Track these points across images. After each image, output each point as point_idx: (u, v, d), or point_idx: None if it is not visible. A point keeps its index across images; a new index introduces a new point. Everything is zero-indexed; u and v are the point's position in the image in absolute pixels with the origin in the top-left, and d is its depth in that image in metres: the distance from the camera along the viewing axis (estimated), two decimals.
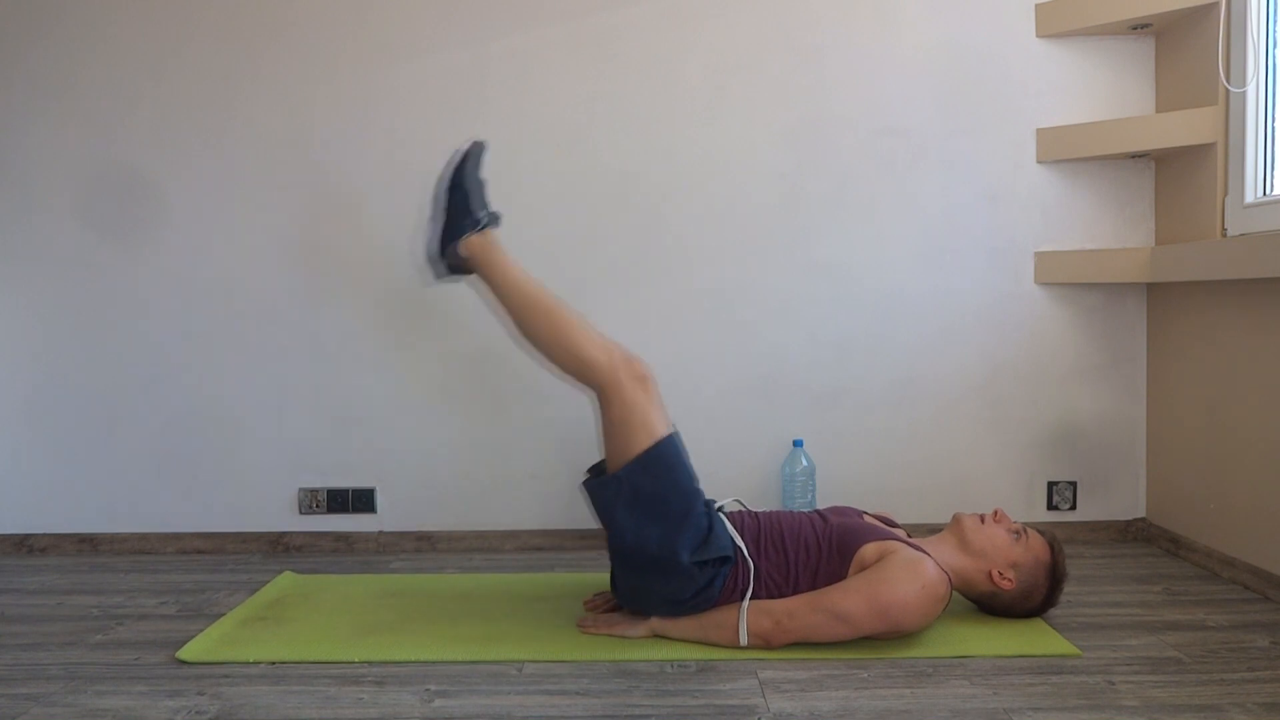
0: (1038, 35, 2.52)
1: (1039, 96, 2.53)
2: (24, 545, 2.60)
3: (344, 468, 2.59)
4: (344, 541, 2.59)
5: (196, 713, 1.58)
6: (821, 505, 2.51)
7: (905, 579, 1.76)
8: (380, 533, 2.60)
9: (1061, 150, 2.50)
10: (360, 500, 2.59)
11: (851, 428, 2.57)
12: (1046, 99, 2.53)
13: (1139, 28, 2.46)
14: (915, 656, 1.77)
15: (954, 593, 1.88)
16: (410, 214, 2.55)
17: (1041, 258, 2.54)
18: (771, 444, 2.57)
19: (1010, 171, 2.54)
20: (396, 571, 2.40)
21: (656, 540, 1.81)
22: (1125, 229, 2.55)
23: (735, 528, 1.90)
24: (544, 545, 2.59)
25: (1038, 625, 1.92)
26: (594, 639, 1.88)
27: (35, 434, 2.59)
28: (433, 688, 1.67)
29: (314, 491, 2.59)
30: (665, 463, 1.86)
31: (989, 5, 2.52)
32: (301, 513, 2.59)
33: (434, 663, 1.78)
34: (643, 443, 1.85)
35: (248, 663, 1.78)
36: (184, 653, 1.82)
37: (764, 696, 1.62)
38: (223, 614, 2.06)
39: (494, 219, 2.04)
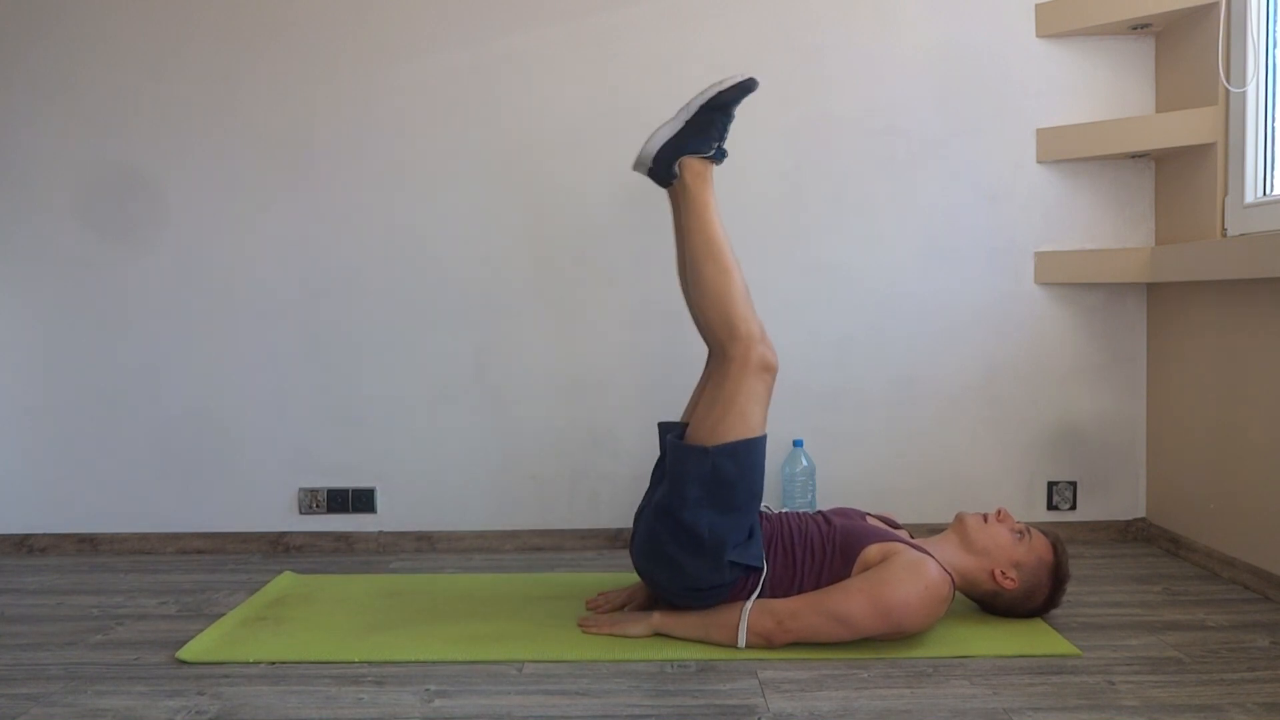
0: (1038, 35, 2.52)
1: (1039, 96, 2.53)
2: (24, 545, 2.60)
3: (344, 468, 2.59)
4: (344, 541, 2.59)
5: (196, 713, 1.58)
6: (822, 505, 2.51)
7: (908, 580, 1.76)
8: (380, 533, 2.60)
9: (1061, 150, 2.50)
10: (360, 500, 2.59)
11: (851, 428, 2.57)
12: (1046, 99, 2.53)
13: (1139, 28, 2.46)
14: (915, 656, 1.77)
15: (956, 593, 1.88)
16: (410, 213, 2.55)
17: (1041, 258, 2.54)
18: (771, 444, 2.54)
19: (1010, 171, 2.54)
20: (396, 571, 2.40)
21: (709, 524, 1.80)
22: (1125, 229, 2.55)
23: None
24: (544, 545, 2.59)
25: (1038, 625, 1.92)
26: (594, 639, 1.88)
27: (35, 434, 2.59)
28: (433, 688, 1.67)
29: (314, 491, 2.59)
30: (752, 459, 1.86)
31: (989, 5, 2.52)
32: (301, 513, 2.59)
33: (434, 663, 1.78)
34: (740, 430, 1.84)
35: (248, 663, 1.78)
36: (184, 653, 1.82)
37: (764, 696, 1.62)
38: (223, 614, 2.06)
39: (722, 154, 2.02)
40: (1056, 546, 1.92)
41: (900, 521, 2.19)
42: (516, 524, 2.59)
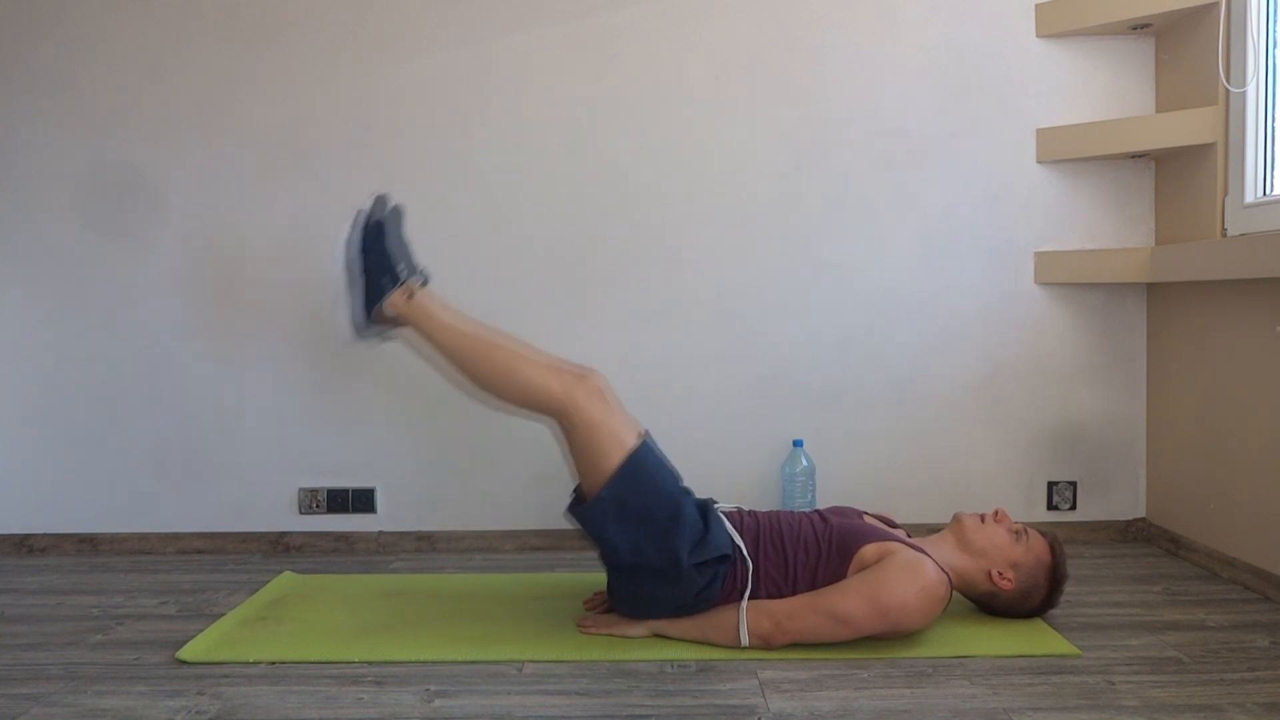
0: (1038, 35, 2.52)
1: (1039, 96, 2.53)
2: (24, 545, 2.60)
3: (344, 468, 2.59)
4: (344, 541, 2.59)
5: (196, 713, 1.58)
6: (822, 505, 2.51)
7: (905, 580, 1.76)
8: (380, 533, 2.60)
9: (1061, 150, 2.50)
10: (360, 500, 2.59)
11: (851, 428, 2.57)
12: (1046, 99, 2.53)
13: (1139, 28, 2.46)
14: (915, 656, 1.77)
15: (954, 593, 1.88)
16: (410, 214, 2.54)
17: (1041, 258, 2.54)
18: (771, 444, 2.57)
19: (1010, 171, 2.54)
20: (396, 571, 2.40)
21: (654, 548, 1.80)
22: (1125, 229, 2.55)
23: (734, 527, 1.90)
24: (544, 545, 2.59)
25: (1038, 625, 1.92)
26: (594, 639, 1.88)
27: (35, 434, 2.59)
28: (433, 688, 1.67)
29: (314, 491, 2.59)
30: (644, 470, 1.85)
31: (989, 5, 2.52)
32: (301, 513, 2.59)
33: (434, 663, 1.78)
34: (616, 457, 1.83)
35: (248, 663, 1.78)
36: (184, 653, 1.82)
37: (764, 696, 1.62)
38: (223, 614, 2.06)
39: (416, 272, 1.99)
40: (1054, 547, 1.92)
41: (899, 521, 2.19)
42: (516, 524, 2.59)
